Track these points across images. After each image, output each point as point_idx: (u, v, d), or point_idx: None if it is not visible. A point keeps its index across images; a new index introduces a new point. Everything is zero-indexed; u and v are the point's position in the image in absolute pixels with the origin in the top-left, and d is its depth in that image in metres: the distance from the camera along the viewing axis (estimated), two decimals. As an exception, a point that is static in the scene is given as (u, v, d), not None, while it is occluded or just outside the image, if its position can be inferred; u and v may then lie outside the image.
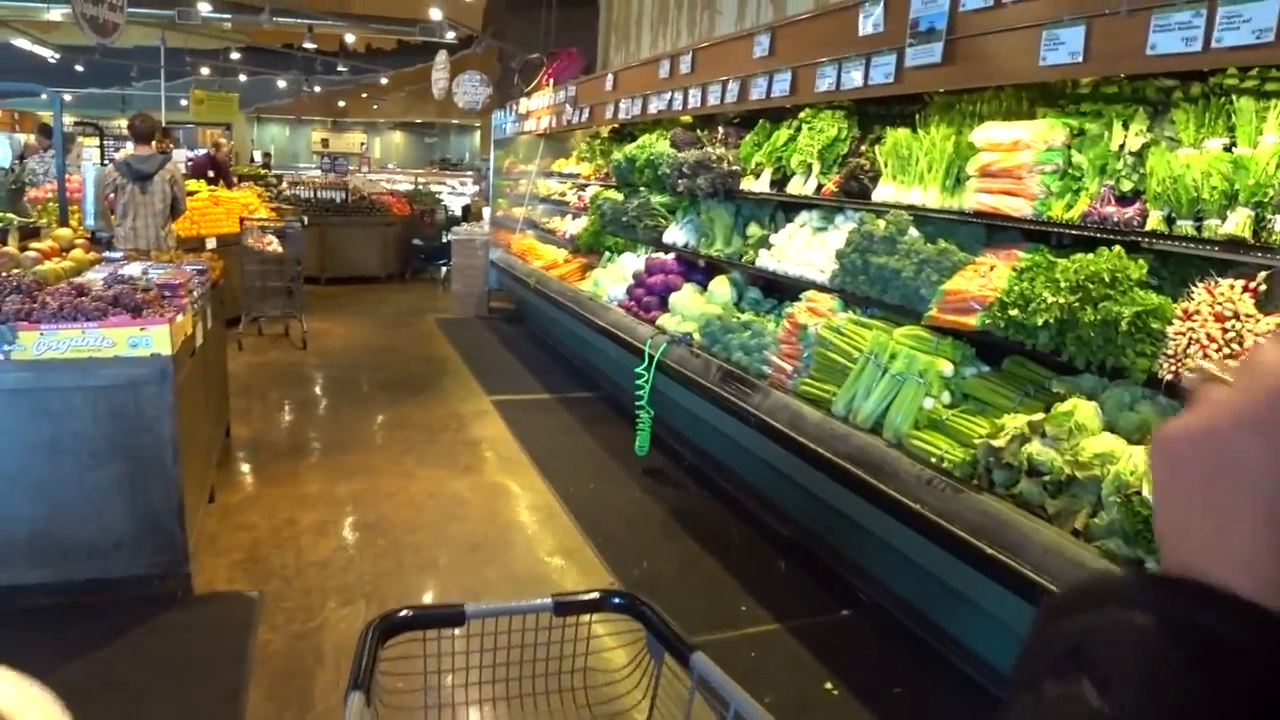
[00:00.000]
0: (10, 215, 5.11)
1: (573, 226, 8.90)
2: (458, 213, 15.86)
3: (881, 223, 4.11)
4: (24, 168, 8.23)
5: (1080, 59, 2.98)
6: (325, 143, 32.70)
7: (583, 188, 8.98)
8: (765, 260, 5.08)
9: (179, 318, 3.90)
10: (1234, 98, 2.93)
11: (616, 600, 1.68)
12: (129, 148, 7.50)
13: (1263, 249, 2.67)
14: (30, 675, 2.91)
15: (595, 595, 1.70)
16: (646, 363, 5.40)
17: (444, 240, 14.47)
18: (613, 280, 6.99)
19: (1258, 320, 2.65)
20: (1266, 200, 2.69)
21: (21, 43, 18.85)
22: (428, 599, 4.07)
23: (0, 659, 2.98)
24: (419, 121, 33.46)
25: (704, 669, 1.52)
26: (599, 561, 4.42)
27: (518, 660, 1.66)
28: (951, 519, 2.99)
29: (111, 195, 6.87)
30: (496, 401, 7.27)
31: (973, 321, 3.44)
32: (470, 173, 22.73)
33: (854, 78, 4.12)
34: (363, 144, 33.33)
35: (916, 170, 4.06)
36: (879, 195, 4.25)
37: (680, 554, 4.52)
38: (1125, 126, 3.27)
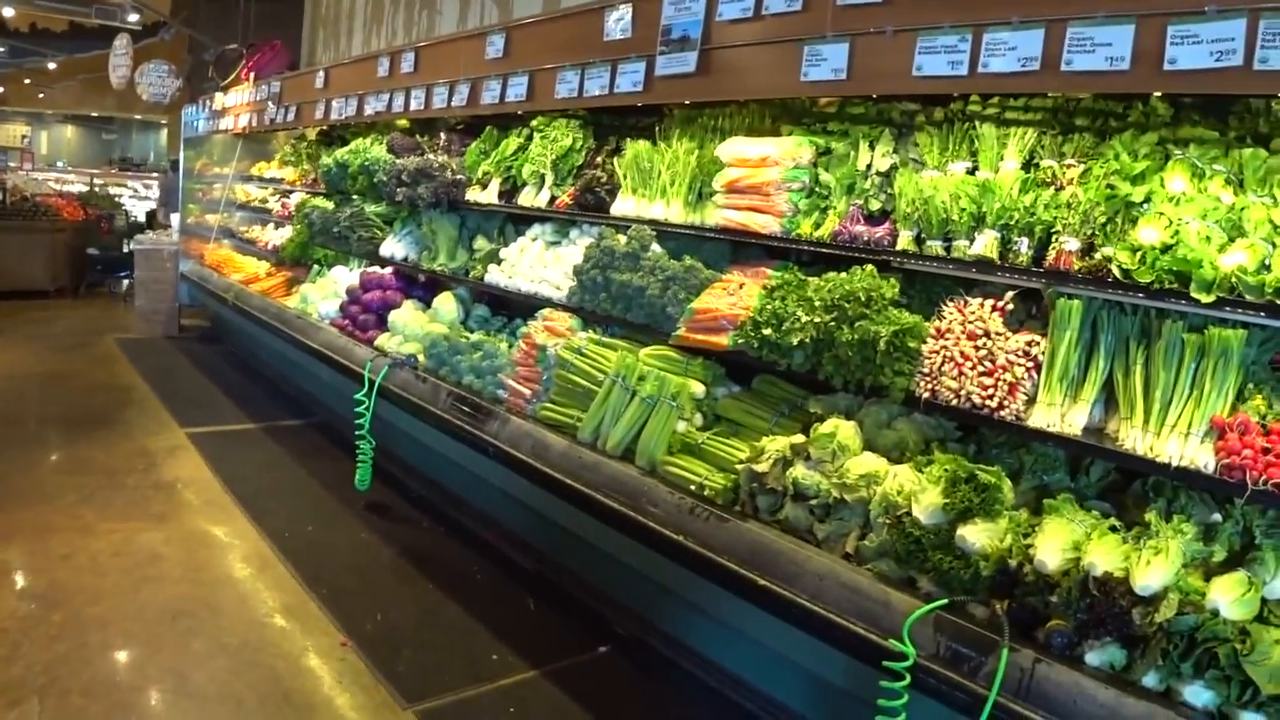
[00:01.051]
0: None
1: (276, 236, 8.14)
2: (141, 219, 14.26)
3: (623, 238, 3.93)
4: None
5: (844, 76, 2.94)
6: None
7: (287, 194, 8.24)
8: (495, 276, 4.77)
9: None
10: (976, 124, 3.00)
11: None
12: None
13: (1010, 269, 2.72)
14: None
15: None
16: (366, 388, 4.91)
17: (125, 249, 12.92)
18: (323, 296, 6.40)
19: (1007, 338, 2.69)
20: (1012, 223, 2.76)
21: None
22: (122, 686, 3.37)
23: None
24: (95, 115, 30.04)
25: None
26: (326, 618, 3.89)
27: None
28: (719, 550, 2.82)
29: None
30: (192, 434, 6.41)
31: (724, 341, 3.32)
32: (156, 175, 20.68)
33: (598, 85, 3.92)
34: (25, 137, 29.49)
35: (659, 184, 3.92)
36: (618, 209, 4.08)
37: (418, 600, 4.09)
38: (871, 147, 3.29)
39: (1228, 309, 2.34)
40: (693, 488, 3.10)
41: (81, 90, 24.95)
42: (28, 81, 26.37)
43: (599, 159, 4.44)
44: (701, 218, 3.74)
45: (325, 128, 7.41)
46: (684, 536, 2.96)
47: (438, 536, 4.84)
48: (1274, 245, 2.34)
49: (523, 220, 4.99)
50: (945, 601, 2.38)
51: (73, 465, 5.66)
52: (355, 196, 6.38)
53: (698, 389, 3.39)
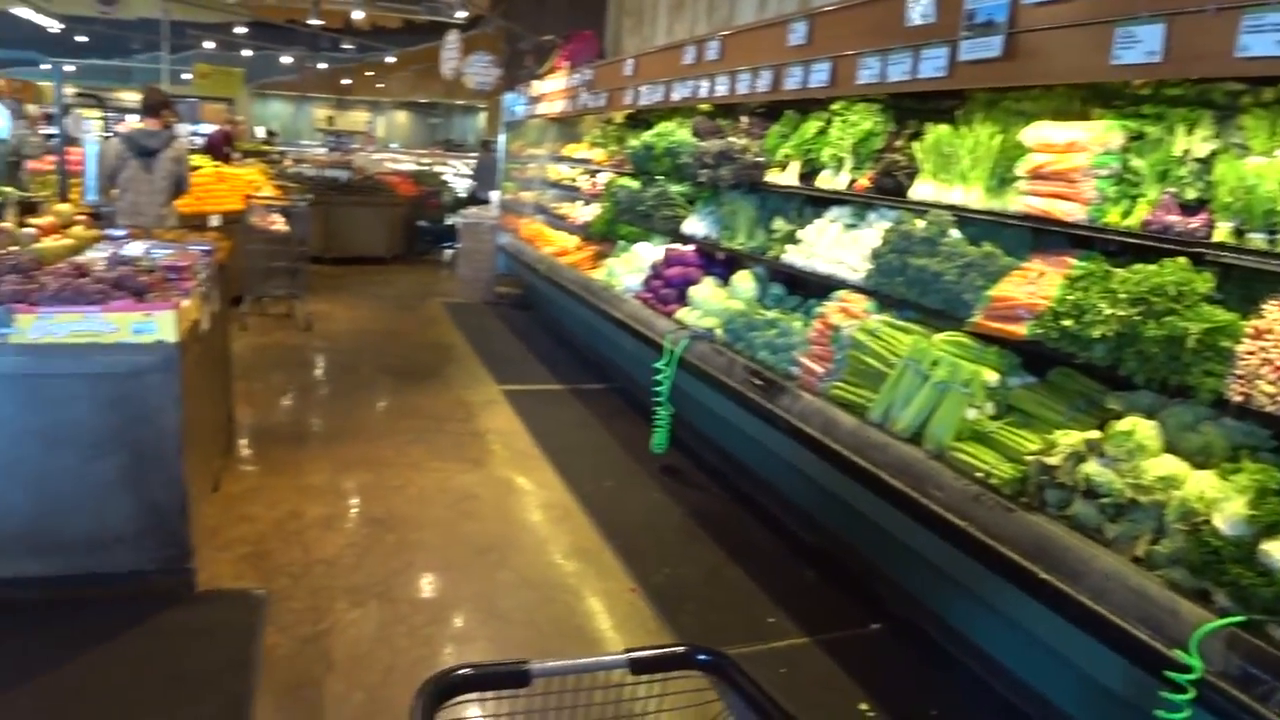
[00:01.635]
0: (8, 189, 4.93)
1: (585, 213, 8.73)
2: (462, 194, 15.68)
3: (921, 222, 3.96)
4: (22, 139, 8.02)
5: (1159, 58, 2.81)
6: (330, 120, 32.42)
7: (595, 174, 8.80)
8: (792, 256, 4.93)
9: (185, 302, 3.75)
10: (1310, 106, 2.79)
11: (701, 657, 1.52)
12: (129, 120, 7.30)
13: (1345, 266, 2.53)
14: (17, 678, 2.71)
15: (677, 650, 1.54)
16: (665, 358, 5.26)
17: (449, 222, 14.29)
18: (628, 270, 6.84)
19: (1338, 342, 2.51)
20: (1350, 215, 2.55)
21: (23, 11, 18.50)
22: (441, 602, 3.93)
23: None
24: (424, 101, 33.17)
25: None
26: (619, 566, 4.29)
27: (599, 717, 1.51)
28: (1002, 540, 2.85)
29: (113, 169, 6.70)
30: (506, 391, 7.12)
31: (1021, 330, 3.30)
32: (475, 154, 22.55)
33: (901, 70, 3.96)
34: (368, 123, 33.05)
35: (959, 169, 3.91)
36: (917, 193, 4.10)
37: (704, 560, 4.39)
38: (1189, 131, 3.13)
39: None
40: (979, 475, 3.13)
41: (413, 79, 27.63)
42: (369, 74, 29.55)
43: (898, 142, 4.46)
44: (1002, 204, 3.70)
45: (632, 112, 7.84)
46: (967, 523, 3.01)
47: (725, 503, 5.12)
48: None
49: (820, 202, 5.10)
50: (1241, 619, 2.28)
51: (405, 410, 6.48)
52: (659, 177, 6.74)
53: (991, 377, 3.39)
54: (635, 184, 7.13)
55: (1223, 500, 2.45)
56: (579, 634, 3.72)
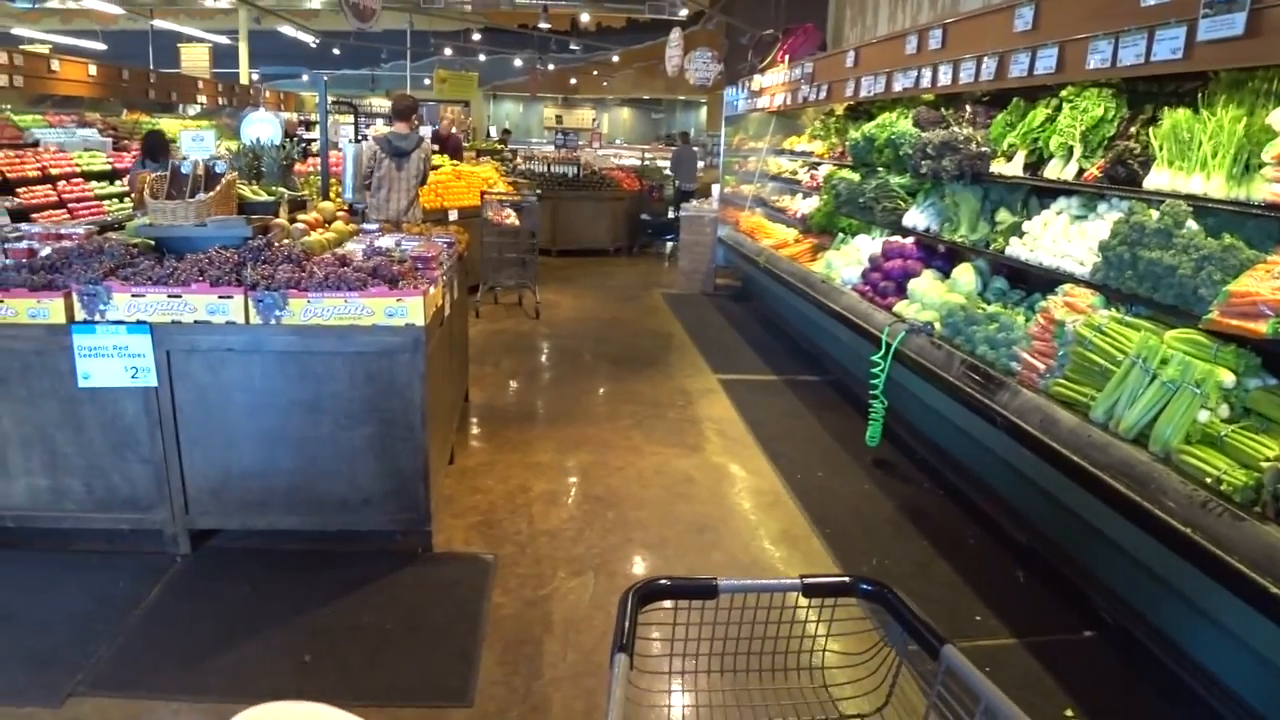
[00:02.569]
0: (282, 189, 5.57)
1: (804, 206, 8.75)
2: (685, 189, 15.98)
3: (1155, 213, 3.77)
4: (293, 144, 8.93)
5: None
6: (559, 119, 33.78)
7: (815, 166, 8.79)
8: (1016, 249, 4.78)
9: (431, 289, 4.12)
10: None
11: (865, 586, 1.69)
12: (379, 124, 7.98)
13: None
14: (286, 613, 3.19)
15: (844, 579, 1.72)
16: (883, 350, 5.23)
17: (670, 216, 14.63)
18: (846, 263, 6.82)
19: None
20: None
21: (286, 29, 20.47)
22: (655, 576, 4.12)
23: (260, 596, 3.32)
24: (646, 98, 33.96)
25: (954, 662, 1.49)
26: (826, 553, 4.34)
27: (760, 636, 1.73)
28: (1231, 550, 2.70)
29: (370, 168, 7.41)
30: (723, 380, 7.29)
31: (1263, 328, 3.09)
32: (696, 149, 22.90)
33: (1133, 53, 3.78)
34: (594, 120, 34.17)
35: (1198, 156, 3.69)
36: (1151, 182, 3.90)
37: (912, 553, 4.37)
38: None
39: None
40: (1209, 481, 2.97)
41: (635, 77, 28.43)
42: (595, 73, 30.60)
43: (1132, 129, 4.25)
44: (1247, 193, 3.47)
45: (852, 103, 7.79)
46: (1193, 530, 2.86)
47: (936, 497, 5.05)
48: None
49: (1047, 193, 4.92)
50: None
51: (626, 395, 6.76)
52: (880, 169, 6.68)
53: (1226, 377, 3.20)
54: (855, 176, 7.10)
55: None
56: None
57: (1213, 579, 2.76)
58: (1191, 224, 3.64)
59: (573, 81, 32.09)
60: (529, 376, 7.33)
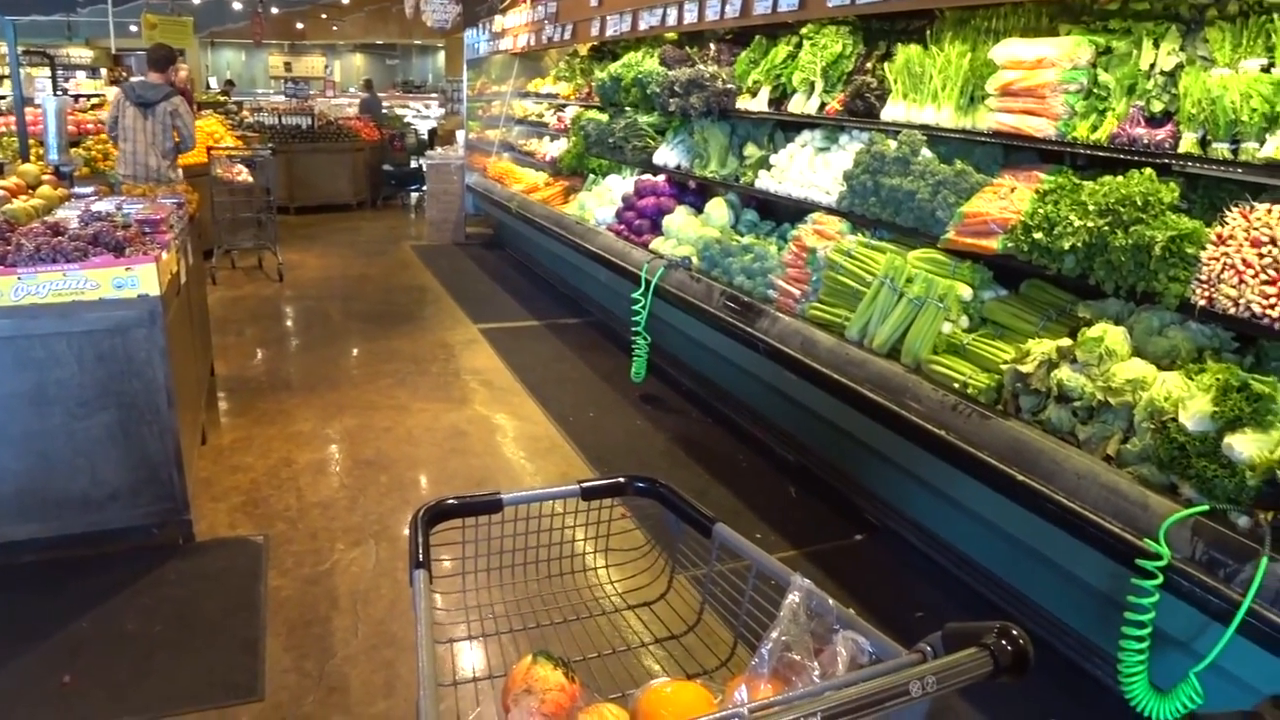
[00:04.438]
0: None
1: (553, 149, 8.70)
2: (426, 136, 15.49)
3: (893, 143, 4.02)
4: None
5: (1125, -28, 2.87)
6: (287, 67, 31.68)
7: (562, 108, 8.75)
8: (765, 181, 4.98)
9: (164, 255, 3.73)
10: (1275, 16, 2.86)
11: (639, 484, 1.79)
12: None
13: (1304, 171, 2.63)
14: (34, 634, 2.80)
15: (619, 479, 1.80)
16: (643, 287, 5.31)
17: (415, 165, 14.14)
18: (599, 203, 6.85)
19: (1296, 244, 2.62)
20: (1309, 122, 2.64)
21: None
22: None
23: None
24: (380, 43, 32.47)
25: (725, 536, 1.63)
26: (607, 492, 4.38)
27: (547, 544, 1.82)
28: (980, 446, 2.97)
29: (114, 118, 6.84)
30: (484, 330, 7.16)
31: (994, 245, 3.39)
32: (435, 95, 22.16)
33: (870, -8, 3.99)
34: (325, 68, 32.33)
35: (930, 89, 3.96)
36: (888, 114, 4.16)
37: (688, 482, 4.50)
38: (1156, 45, 3.20)
39: None
40: (956, 386, 3.24)
41: (368, 21, 27.03)
42: (324, 16, 28.81)
43: (869, 64, 4.50)
44: (973, 122, 3.77)
45: (598, 44, 7.78)
46: (945, 431, 3.12)
47: (706, 427, 5.22)
48: None
49: (792, 127, 5.14)
50: (1206, 508, 2.41)
51: (386, 354, 6.51)
52: (628, 108, 6.73)
53: (965, 291, 3.49)
54: (604, 117, 7.11)
55: (1188, 399, 2.56)
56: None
57: (965, 472, 3.03)
58: (926, 152, 3.91)
59: (300, 26, 30.06)
60: (278, 343, 6.88)
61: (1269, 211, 2.72)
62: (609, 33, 6.89)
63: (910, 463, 3.49)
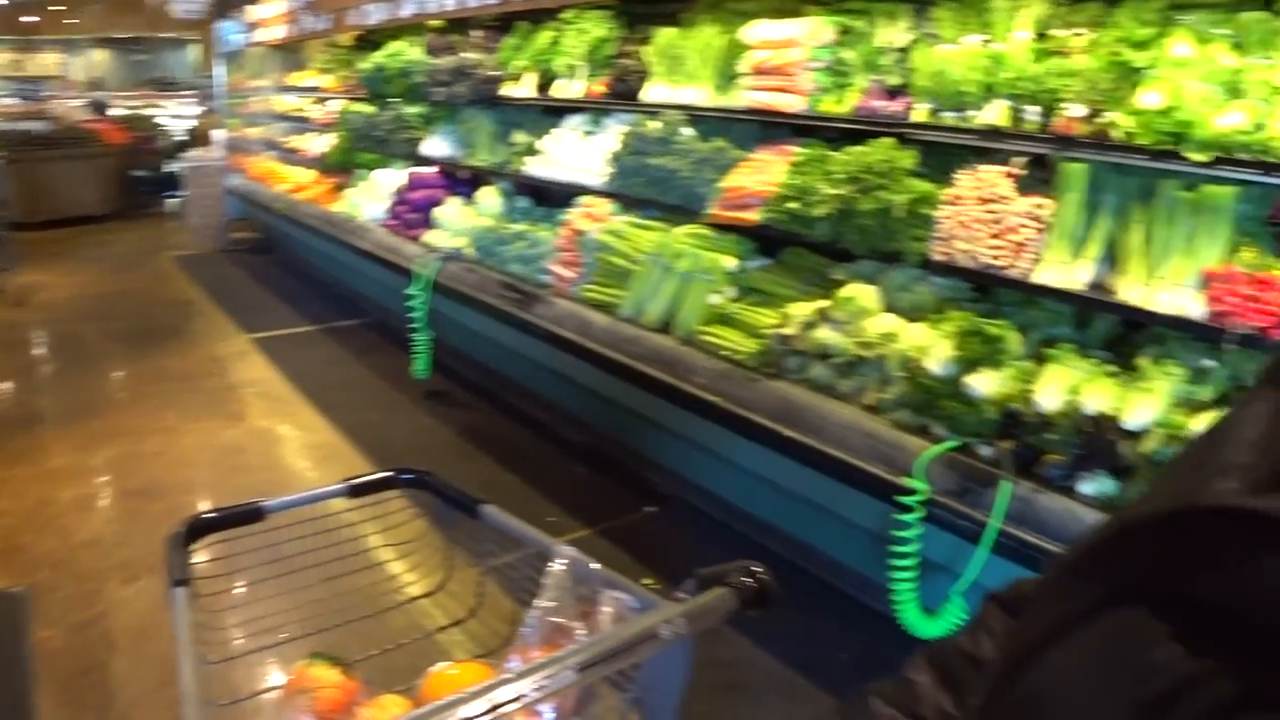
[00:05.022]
0: None
1: (318, 144, 8.35)
2: (183, 137, 14.50)
3: (655, 123, 4.11)
4: None
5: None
6: (17, 65, 28.83)
7: (325, 101, 8.42)
8: (534, 168, 4.97)
9: None
10: (991, -1, 3.13)
11: (405, 475, 1.75)
12: None
13: (1019, 136, 2.88)
14: None
15: (386, 474, 1.76)
16: (418, 283, 5.19)
17: (170, 169, 13.21)
18: (370, 199, 6.64)
19: (1015, 201, 2.87)
20: (1021, 92, 2.89)
21: None
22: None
23: None
24: (125, 37, 30.10)
25: (494, 519, 1.63)
26: (396, 491, 4.25)
27: (318, 547, 1.72)
28: (752, 408, 3.09)
29: None
30: (256, 339, 6.78)
31: (754, 216, 3.53)
32: (191, 93, 20.78)
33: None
34: (62, 65, 29.64)
35: (687, 70, 4.07)
36: (650, 96, 4.24)
37: (478, 473, 4.43)
38: (890, 23, 3.41)
39: (1222, 168, 2.47)
40: (726, 353, 3.35)
41: (109, 13, 24.86)
42: (57, 8, 26.31)
43: (629, 48, 4.57)
44: (729, 100, 3.90)
45: (360, 34, 7.54)
46: (720, 397, 3.23)
47: (493, 417, 5.17)
48: (1270, 105, 2.46)
49: (558, 112, 5.15)
50: (955, 443, 2.63)
51: (152, 374, 6.04)
52: (394, 99, 6.55)
53: (730, 263, 3.61)
54: (369, 109, 6.90)
55: (933, 347, 2.76)
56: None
57: (741, 435, 3.14)
58: (687, 131, 4.02)
59: (30, 20, 27.32)
60: (26, 374, 6.22)
61: (992, 172, 2.96)
62: (370, 21, 6.68)
63: (691, 431, 3.58)
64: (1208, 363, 2.58)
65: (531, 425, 4.97)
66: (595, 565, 1.44)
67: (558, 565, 1.45)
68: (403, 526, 1.82)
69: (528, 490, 4.23)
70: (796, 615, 3.11)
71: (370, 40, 7.57)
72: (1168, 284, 2.57)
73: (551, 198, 5.19)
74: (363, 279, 6.72)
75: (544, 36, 5.06)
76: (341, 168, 7.85)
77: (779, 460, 3.03)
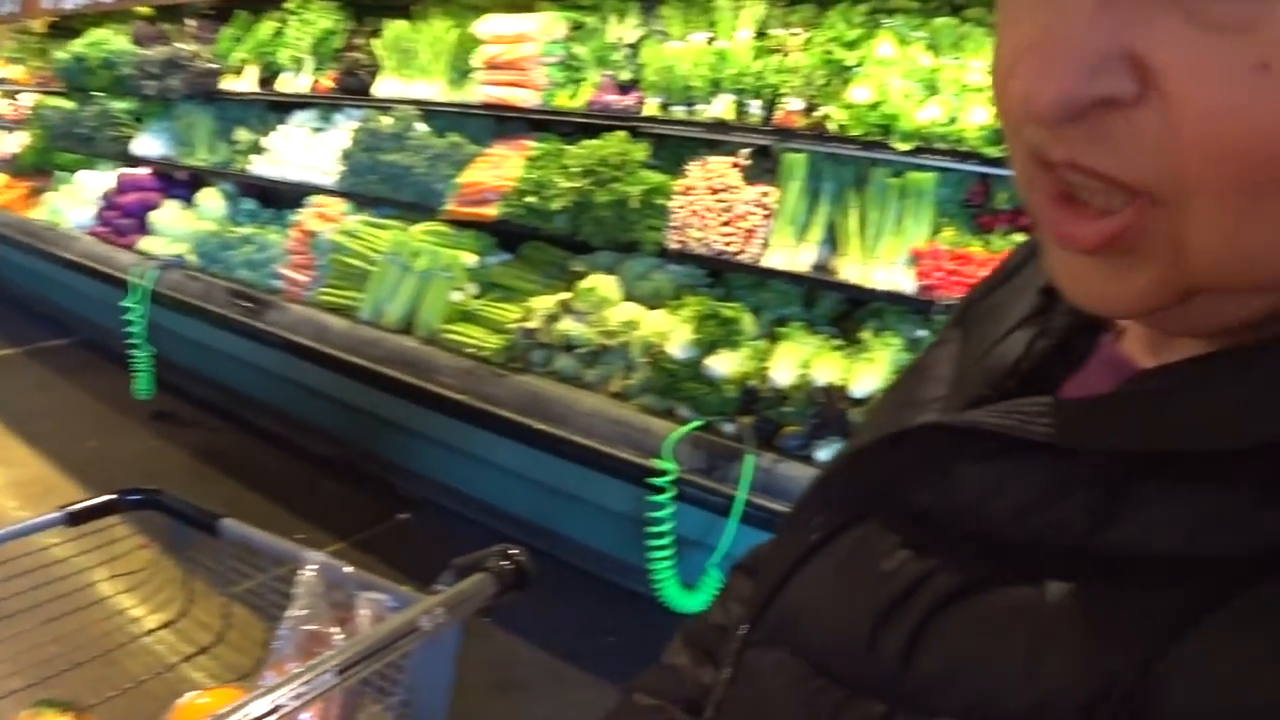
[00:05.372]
0: None
1: (9, 144, 7.51)
2: None
3: (388, 119, 3.98)
4: None
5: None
6: None
7: (16, 95, 7.59)
8: (261, 167, 4.68)
9: None
10: (713, -3, 3.25)
11: (133, 498, 1.58)
12: None
13: (744, 129, 3.02)
14: None
15: (111, 498, 1.57)
16: (134, 294, 4.76)
17: None
18: (74, 204, 6.03)
19: (743, 190, 3.00)
20: (745, 87, 3.03)
21: None
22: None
23: None
24: None
25: (233, 532, 1.48)
26: (126, 525, 3.86)
27: (38, 585, 1.52)
28: (499, 404, 3.04)
29: None
30: (-54, 369, 5.99)
31: (491, 212, 3.49)
32: None
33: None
34: None
35: (419, 64, 3.97)
36: (382, 91, 4.10)
37: (217, 496, 4.09)
38: (621, 20, 3.48)
39: (923, 156, 2.71)
40: (471, 351, 3.29)
41: None
42: None
43: (358, 40, 4.41)
44: (464, 95, 3.84)
45: (56, 20, 6.83)
46: (467, 395, 3.16)
47: (231, 435, 4.81)
48: (961, 101, 2.71)
49: (285, 108, 4.88)
50: (699, 423, 2.72)
51: None
52: (98, 93, 5.98)
53: (470, 259, 3.55)
54: (69, 104, 6.26)
55: (673, 332, 2.83)
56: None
57: (492, 431, 3.10)
58: (421, 126, 3.92)
59: None
60: None
61: (721, 162, 3.08)
62: (67, 6, 6.07)
63: (441, 433, 3.50)
64: (921, 333, 2.81)
65: (272, 440, 4.67)
66: (348, 569, 1.35)
67: (308, 572, 1.34)
68: (133, 554, 1.64)
69: (273, 509, 3.97)
70: (561, 606, 3.11)
71: (67, 27, 6.88)
72: (882, 263, 2.77)
73: (280, 198, 4.92)
74: (70, 293, 6.09)
75: (266, 27, 4.78)
76: (38, 170, 7.09)
77: (531, 454, 3.02)
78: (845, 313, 3.09)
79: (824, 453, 2.57)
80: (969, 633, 0.45)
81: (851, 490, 0.58)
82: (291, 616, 1.32)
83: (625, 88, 3.38)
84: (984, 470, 0.47)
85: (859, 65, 2.86)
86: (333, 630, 1.30)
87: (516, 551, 1.17)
